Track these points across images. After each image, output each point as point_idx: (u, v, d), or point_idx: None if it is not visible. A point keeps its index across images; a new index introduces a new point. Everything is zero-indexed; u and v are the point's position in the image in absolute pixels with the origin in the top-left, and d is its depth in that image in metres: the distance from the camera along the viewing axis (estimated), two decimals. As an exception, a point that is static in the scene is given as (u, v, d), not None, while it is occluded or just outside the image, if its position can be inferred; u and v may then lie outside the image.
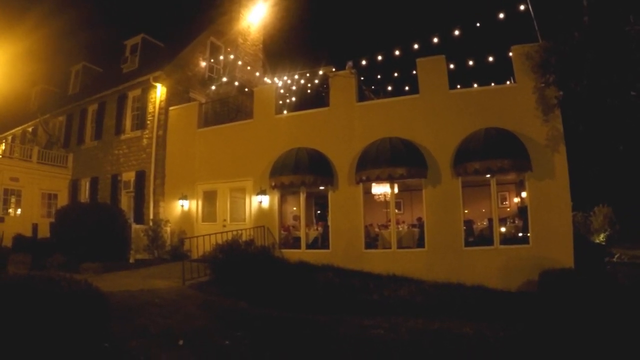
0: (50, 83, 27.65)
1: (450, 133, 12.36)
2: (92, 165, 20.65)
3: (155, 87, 18.13)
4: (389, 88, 15.47)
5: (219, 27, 20.95)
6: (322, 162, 13.69)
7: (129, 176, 18.65)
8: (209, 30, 20.65)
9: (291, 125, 15.02)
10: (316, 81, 15.79)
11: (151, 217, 16.92)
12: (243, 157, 15.53)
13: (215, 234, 12.91)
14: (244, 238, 12.86)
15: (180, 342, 6.22)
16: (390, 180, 12.63)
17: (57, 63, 28.55)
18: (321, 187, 14.18)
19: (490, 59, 13.07)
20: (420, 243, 12.80)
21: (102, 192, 19.74)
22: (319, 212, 16.26)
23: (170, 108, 17.89)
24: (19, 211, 20.66)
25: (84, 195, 20.94)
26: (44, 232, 17.62)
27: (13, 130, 27.01)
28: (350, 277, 11.62)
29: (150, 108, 18.25)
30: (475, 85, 13.60)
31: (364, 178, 12.77)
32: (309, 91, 16.74)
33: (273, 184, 14.01)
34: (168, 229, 16.37)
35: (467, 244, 12.23)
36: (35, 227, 17.70)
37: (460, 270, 11.51)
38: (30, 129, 25.44)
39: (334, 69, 14.79)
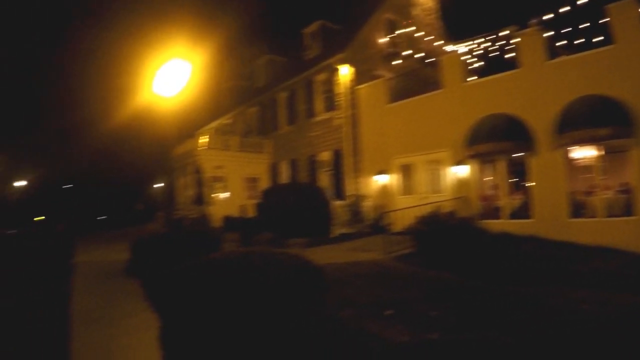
0: (239, 78, 32.21)
1: (657, 86, 11.71)
2: (289, 148, 24.13)
3: (340, 69, 20.43)
4: (579, 41, 15.10)
5: (392, 1, 22.47)
6: (518, 128, 13.92)
7: (325, 156, 21.50)
8: (384, 7, 22.29)
9: (481, 91, 15.45)
10: (500, 43, 16.26)
11: (350, 193, 19.35)
12: (436, 128, 16.53)
13: (414, 206, 13.93)
14: (444, 210, 13.62)
15: (388, 313, 6.58)
16: (593, 142, 12.50)
17: (243, 59, 32.77)
18: (518, 154, 14.37)
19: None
20: (628, 211, 12.33)
21: (301, 172, 23.03)
22: (515, 179, 16.70)
23: (358, 87, 20.07)
24: (224, 195, 24.79)
25: (284, 177, 24.55)
26: (249, 212, 20.66)
27: (212, 124, 32.09)
28: (554, 248, 11.65)
29: (338, 89, 20.66)
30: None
31: (564, 142, 12.84)
32: (494, 54, 17.18)
33: (469, 153, 14.84)
34: (367, 203, 18.43)
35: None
36: (242, 208, 20.88)
37: (678, 240, 10.98)
38: (227, 121, 29.81)
39: (518, 28, 15.03)
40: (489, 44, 16.75)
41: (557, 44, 15.10)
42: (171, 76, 9.79)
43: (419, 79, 19.19)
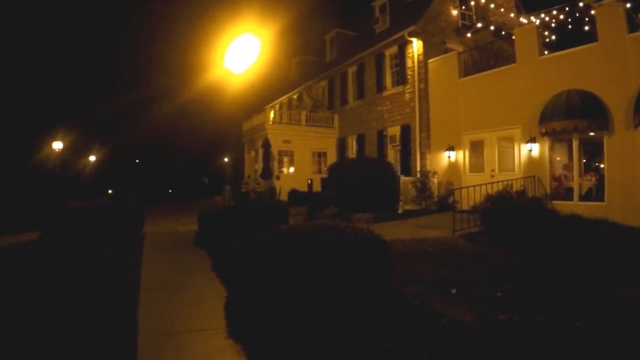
0: (308, 53, 33.11)
1: None
2: (357, 123, 24.73)
3: (410, 42, 20.67)
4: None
5: (466, -29, 22.18)
6: (595, 105, 13.52)
7: (394, 130, 21.91)
8: (456, -23, 22.01)
9: (557, 65, 15.04)
10: (577, 15, 15.93)
11: (418, 169, 19.71)
12: (508, 104, 16.40)
13: (484, 184, 13.90)
14: (514, 189, 13.68)
15: (453, 292, 6.75)
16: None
17: (311, 34, 33.61)
18: (592, 133, 14.16)
19: None
20: None
21: (369, 147, 23.60)
22: (587, 160, 16.22)
23: (429, 61, 20.22)
24: (291, 169, 25.95)
25: (351, 151, 25.31)
26: (316, 187, 21.66)
27: (280, 99, 33.27)
28: (626, 234, 11.12)
29: (408, 63, 20.96)
30: None
31: (643, 121, 12.33)
32: (570, 27, 16.86)
33: (543, 130, 14.62)
34: (435, 180, 18.73)
35: None
36: (309, 183, 21.61)
37: None
38: (295, 96, 30.81)
39: None
40: (564, 16, 16.40)
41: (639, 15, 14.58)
42: (240, 52, 10.27)
43: (491, 53, 19.21)
